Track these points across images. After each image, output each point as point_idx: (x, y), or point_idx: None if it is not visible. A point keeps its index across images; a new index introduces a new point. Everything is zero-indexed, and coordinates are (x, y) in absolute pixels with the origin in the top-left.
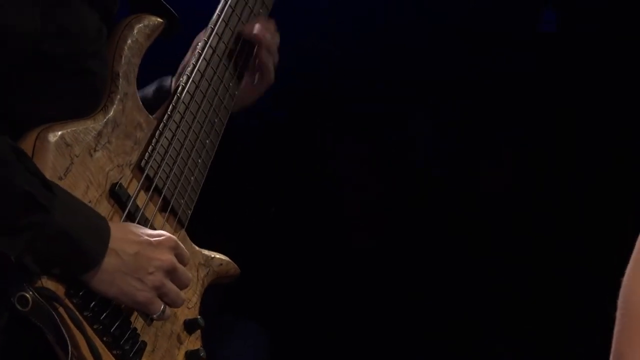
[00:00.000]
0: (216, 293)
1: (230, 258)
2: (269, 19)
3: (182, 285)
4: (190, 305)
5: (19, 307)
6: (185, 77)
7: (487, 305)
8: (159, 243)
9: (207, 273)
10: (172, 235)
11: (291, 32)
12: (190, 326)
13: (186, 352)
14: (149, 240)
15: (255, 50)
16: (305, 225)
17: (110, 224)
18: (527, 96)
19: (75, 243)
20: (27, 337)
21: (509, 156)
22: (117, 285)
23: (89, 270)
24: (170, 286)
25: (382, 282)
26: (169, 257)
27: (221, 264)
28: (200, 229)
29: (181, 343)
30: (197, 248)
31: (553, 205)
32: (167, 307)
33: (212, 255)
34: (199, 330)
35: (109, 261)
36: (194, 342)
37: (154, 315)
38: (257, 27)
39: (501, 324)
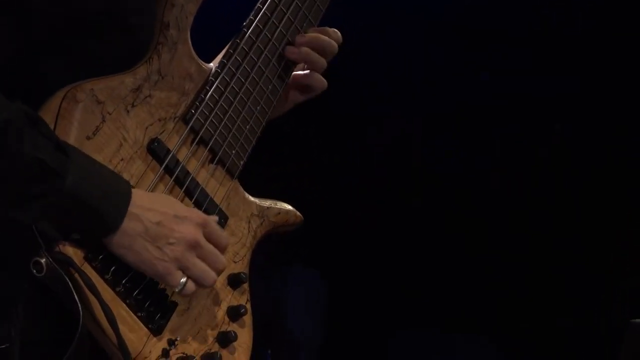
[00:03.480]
0: (275, 244)
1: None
2: (321, 29)
3: (212, 263)
4: (237, 259)
5: (34, 272)
6: (242, 32)
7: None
8: (185, 217)
9: (261, 224)
10: (203, 214)
11: None
12: (234, 281)
13: (228, 308)
14: (175, 212)
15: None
16: (365, 179)
17: (137, 191)
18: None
19: (90, 207)
20: (48, 300)
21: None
22: (136, 251)
23: (107, 234)
24: (194, 261)
25: (435, 237)
26: (193, 231)
27: (279, 213)
28: (260, 181)
29: (223, 299)
30: (250, 199)
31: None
32: (189, 282)
33: (268, 205)
34: (244, 285)
35: (129, 225)
36: (237, 298)
37: (175, 289)
38: (301, 49)
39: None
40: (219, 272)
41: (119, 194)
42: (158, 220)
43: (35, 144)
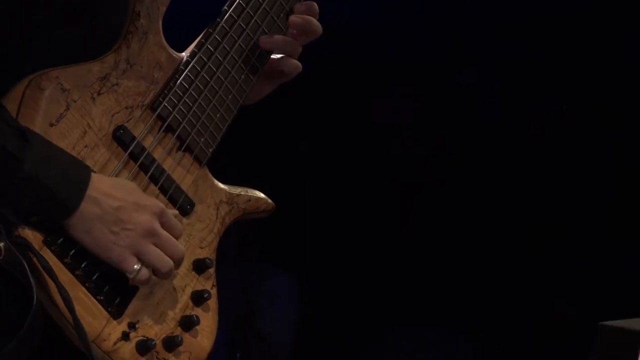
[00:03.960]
0: (249, 243)
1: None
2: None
3: (168, 251)
4: (203, 244)
5: None
6: (215, 22)
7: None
8: (144, 206)
9: (230, 210)
10: (161, 205)
11: None
12: (199, 266)
13: (192, 292)
14: (135, 200)
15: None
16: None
17: (97, 175)
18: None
19: (49, 191)
20: (9, 283)
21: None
22: (93, 235)
23: (65, 217)
24: (150, 248)
25: (415, 235)
26: (149, 220)
27: (249, 200)
28: (235, 174)
29: (187, 284)
30: (220, 185)
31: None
32: (143, 268)
33: (238, 192)
34: (210, 270)
35: (87, 208)
36: (203, 283)
37: (129, 275)
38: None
39: None
40: (175, 261)
41: (78, 178)
42: (117, 205)
43: None
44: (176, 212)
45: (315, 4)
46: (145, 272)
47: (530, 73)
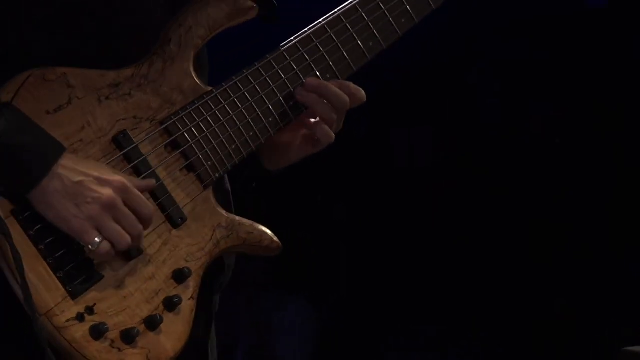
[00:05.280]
0: (264, 269)
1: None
2: (342, 82)
3: (127, 227)
4: (189, 258)
5: None
6: (252, 65)
7: None
8: (107, 181)
9: (228, 236)
10: (125, 181)
11: None
12: (177, 275)
13: (165, 297)
14: (97, 175)
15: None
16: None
17: (68, 154)
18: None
19: (14, 160)
20: None
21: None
22: (55, 209)
23: (29, 189)
24: (110, 223)
25: (431, 259)
26: (110, 194)
27: (251, 232)
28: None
29: (162, 288)
30: (221, 211)
31: None
32: (104, 242)
33: (241, 222)
34: (190, 281)
35: (50, 183)
36: (178, 290)
37: (90, 247)
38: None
39: None
40: (134, 238)
41: (46, 153)
42: (78, 179)
43: None
44: (153, 182)
45: (352, 86)
46: (105, 246)
47: (530, 73)
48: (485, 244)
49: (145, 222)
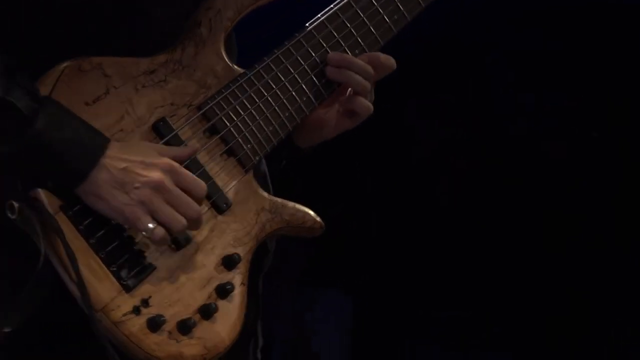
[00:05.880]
0: (299, 263)
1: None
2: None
3: (180, 208)
4: (236, 244)
5: (9, 214)
6: (283, 45)
7: None
8: (152, 163)
9: (273, 219)
10: (172, 161)
11: None
12: (228, 261)
13: (217, 285)
14: (142, 158)
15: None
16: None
17: (113, 143)
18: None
19: (59, 155)
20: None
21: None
22: (105, 199)
23: (77, 183)
24: (162, 205)
25: (465, 250)
26: (158, 175)
27: (294, 214)
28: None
29: (214, 276)
30: (264, 194)
31: None
32: (158, 227)
33: (284, 204)
34: (240, 266)
35: (97, 175)
36: (229, 277)
37: (144, 233)
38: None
39: None
40: (190, 219)
41: (91, 145)
42: (123, 166)
43: (8, 89)
44: (190, 149)
45: (381, 56)
46: (160, 230)
47: (544, 64)
48: (496, 236)
49: (199, 200)
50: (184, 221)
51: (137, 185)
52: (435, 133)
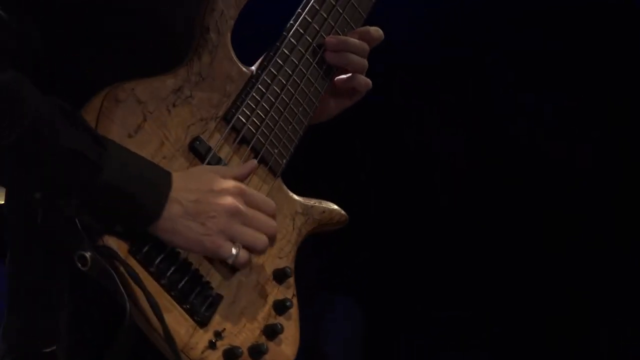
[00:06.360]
0: (311, 270)
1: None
2: (362, 29)
3: (260, 228)
4: (282, 254)
5: (80, 265)
6: (283, 36)
7: None
8: (222, 189)
9: (306, 221)
10: (238, 183)
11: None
12: (279, 276)
13: (274, 302)
14: (210, 187)
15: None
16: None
17: (174, 175)
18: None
19: (130, 197)
20: (94, 292)
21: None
22: (181, 233)
23: (149, 223)
24: (241, 229)
25: (465, 250)
26: (231, 201)
27: (323, 212)
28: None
29: (269, 293)
30: (294, 197)
31: None
32: (241, 250)
33: (312, 204)
34: (290, 280)
35: (170, 210)
36: (283, 292)
37: (229, 260)
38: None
39: None
40: (270, 236)
41: (158, 182)
42: (195, 198)
43: (72, 137)
44: (255, 163)
45: (370, 28)
46: (244, 254)
47: (544, 64)
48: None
49: (271, 216)
50: (265, 239)
51: (212, 214)
52: (435, 133)
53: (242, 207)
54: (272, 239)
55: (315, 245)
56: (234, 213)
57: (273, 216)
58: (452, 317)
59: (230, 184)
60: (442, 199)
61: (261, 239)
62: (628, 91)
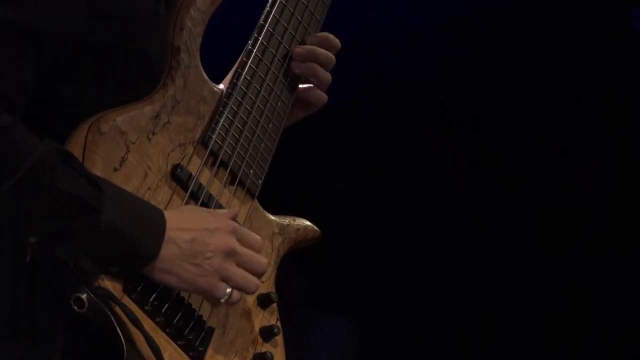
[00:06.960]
0: (301, 286)
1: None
2: (322, 36)
3: (252, 268)
4: (264, 278)
5: (75, 308)
6: (247, 51)
7: None
8: (216, 228)
9: (283, 241)
10: (231, 221)
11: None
12: (263, 301)
13: (260, 329)
14: (205, 226)
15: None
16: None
17: (166, 214)
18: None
19: (129, 240)
20: (90, 335)
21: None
22: (176, 274)
23: (146, 264)
24: (235, 269)
25: (465, 250)
26: (227, 240)
27: (298, 229)
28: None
29: (254, 319)
30: (271, 217)
31: None
32: (234, 290)
33: (287, 222)
34: (274, 305)
35: (165, 250)
36: (268, 318)
37: (221, 300)
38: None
39: None
40: (260, 275)
41: (153, 222)
42: (191, 237)
43: (69, 180)
44: (237, 210)
45: (330, 36)
46: (237, 294)
47: (544, 64)
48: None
49: (260, 252)
50: (257, 282)
51: (208, 255)
52: (435, 133)
53: (237, 247)
54: (260, 276)
55: (297, 261)
56: (229, 253)
57: (260, 251)
58: (452, 317)
59: (224, 222)
60: (442, 199)
61: (253, 282)
62: (628, 91)
